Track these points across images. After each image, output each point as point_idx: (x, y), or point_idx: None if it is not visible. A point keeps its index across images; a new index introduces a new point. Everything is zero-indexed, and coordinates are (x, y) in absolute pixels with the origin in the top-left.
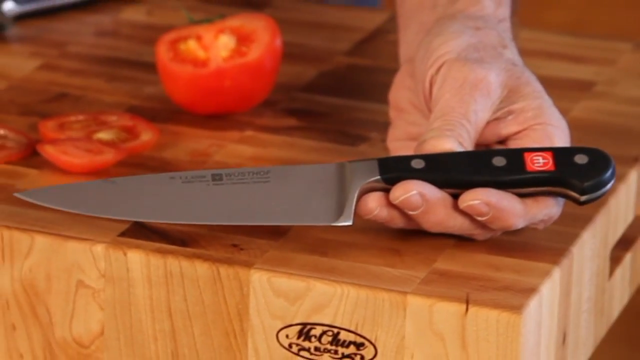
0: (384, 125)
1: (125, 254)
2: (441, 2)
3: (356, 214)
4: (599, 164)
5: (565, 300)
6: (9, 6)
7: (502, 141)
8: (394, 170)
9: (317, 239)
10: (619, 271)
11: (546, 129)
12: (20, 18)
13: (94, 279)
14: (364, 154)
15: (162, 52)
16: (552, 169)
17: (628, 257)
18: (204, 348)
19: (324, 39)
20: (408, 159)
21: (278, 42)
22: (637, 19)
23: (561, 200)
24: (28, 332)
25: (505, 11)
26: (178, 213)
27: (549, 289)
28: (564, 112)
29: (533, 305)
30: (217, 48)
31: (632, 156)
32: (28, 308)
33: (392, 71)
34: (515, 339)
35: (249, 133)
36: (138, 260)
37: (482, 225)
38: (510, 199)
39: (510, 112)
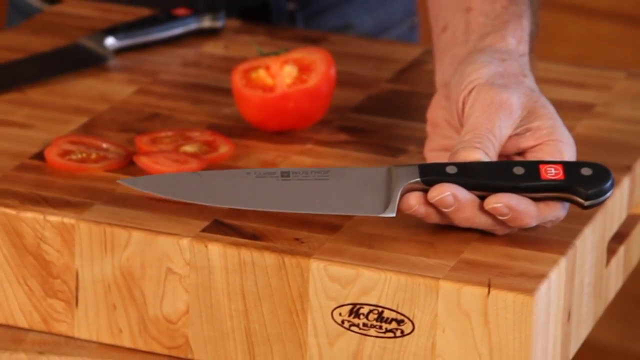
0: (421, 140)
1: (206, 246)
2: (472, 39)
3: (399, 209)
4: (601, 176)
5: (569, 285)
6: (111, 41)
7: (520, 153)
8: (432, 174)
9: (364, 234)
10: (614, 261)
11: (557, 144)
12: (119, 51)
13: (181, 267)
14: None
15: (237, 80)
16: (562, 178)
17: (622, 249)
18: (272, 324)
19: (371, 68)
20: (443, 165)
21: (333, 71)
22: (630, 53)
23: (567, 205)
24: (126, 311)
25: (525, 48)
26: (252, 202)
27: (557, 275)
28: (569, 129)
29: (543, 288)
30: (282, 76)
31: (625, 165)
32: (126, 291)
33: (428, 95)
34: (528, 317)
35: (308, 146)
36: (217, 252)
37: (502, 223)
38: (526, 203)
39: (528, 130)
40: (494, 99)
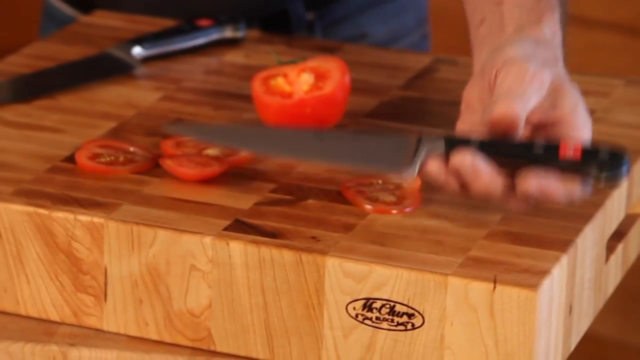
0: None
1: (228, 244)
2: (509, 30)
3: (420, 174)
4: (618, 156)
5: (571, 280)
6: (137, 50)
7: (539, 127)
8: (456, 144)
9: (377, 233)
10: (613, 258)
11: (577, 123)
12: (146, 60)
13: (204, 264)
14: None
15: (257, 87)
16: (581, 157)
17: (620, 247)
18: (290, 318)
19: (383, 76)
20: (468, 138)
21: (347, 78)
22: (628, 62)
23: (584, 186)
24: (152, 305)
25: (559, 39)
26: (285, 151)
27: (559, 272)
28: None
29: (546, 284)
30: (299, 83)
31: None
32: (152, 286)
33: (437, 102)
34: (532, 311)
35: None
36: (238, 249)
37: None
38: (555, 182)
39: (552, 105)
40: (527, 70)
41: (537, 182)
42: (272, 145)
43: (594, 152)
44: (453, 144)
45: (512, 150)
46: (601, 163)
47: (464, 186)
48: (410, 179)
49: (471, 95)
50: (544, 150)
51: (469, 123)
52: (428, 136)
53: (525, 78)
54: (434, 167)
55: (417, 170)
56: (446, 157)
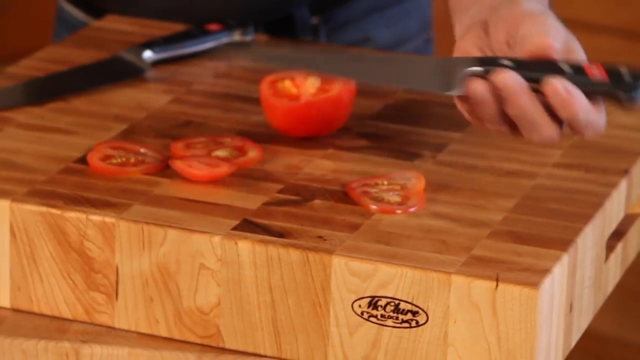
0: (435, 145)
1: (236, 244)
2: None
3: (463, 90)
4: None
5: (571, 279)
6: (148, 54)
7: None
8: (491, 64)
9: (382, 232)
10: (612, 257)
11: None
12: (156, 63)
13: (213, 262)
14: (418, 168)
15: (265, 90)
16: (607, 79)
17: (620, 246)
18: (297, 315)
19: None
20: (501, 59)
21: (352, 82)
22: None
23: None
24: (162, 303)
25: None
26: (335, 70)
27: (559, 270)
28: (570, 137)
29: (547, 282)
30: (306, 86)
31: (623, 169)
32: (162, 285)
33: (440, 104)
34: (533, 309)
35: (330, 151)
36: (246, 248)
37: (550, 119)
38: (580, 92)
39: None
40: (547, 21)
41: (563, 83)
42: (336, 69)
43: (619, 73)
44: (487, 62)
45: (542, 67)
46: (626, 84)
47: (499, 104)
48: (456, 95)
49: (466, 45)
50: (572, 70)
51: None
52: (464, 57)
53: (550, 27)
54: (477, 84)
55: (461, 90)
56: (482, 73)
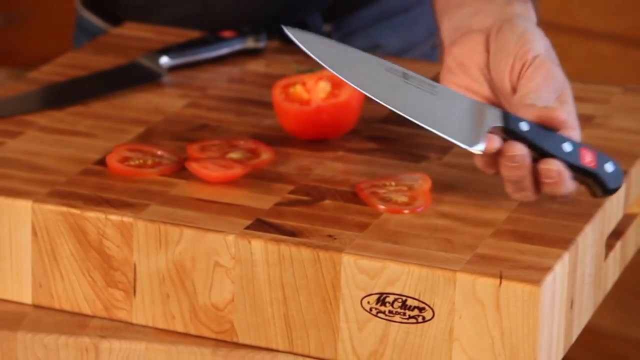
0: (440, 148)
1: (250, 242)
2: (497, 1)
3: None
4: (618, 176)
5: (572, 276)
6: (164, 60)
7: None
8: (512, 124)
9: (390, 231)
10: (612, 255)
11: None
12: (172, 69)
13: (227, 260)
14: (425, 170)
15: (277, 94)
16: (595, 167)
17: (619, 245)
18: (308, 311)
19: None
20: (521, 120)
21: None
22: (626, 70)
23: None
24: (178, 299)
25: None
26: (372, 90)
27: (561, 268)
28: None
29: (549, 280)
30: (317, 91)
31: (622, 170)
32: (178, 282)
33: None
34: (535, 305)
35: (340, 153)
36: (259, 247)
37: (539, 188)
38: (569, 175)
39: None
40: (553, 72)
41: (559, 168)
42: (366, 83)
43: (603, 161)
44: (509, 121)
45: (546, 139)
46: (609, 176)
47: (502, 167)
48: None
49: (464, 57)
50: (571, 150)
51: (462, 80)
52: (488, 106)
53: (554, 82)
54: (497, 144)
55: (484, 147)
56: (502, 132)
